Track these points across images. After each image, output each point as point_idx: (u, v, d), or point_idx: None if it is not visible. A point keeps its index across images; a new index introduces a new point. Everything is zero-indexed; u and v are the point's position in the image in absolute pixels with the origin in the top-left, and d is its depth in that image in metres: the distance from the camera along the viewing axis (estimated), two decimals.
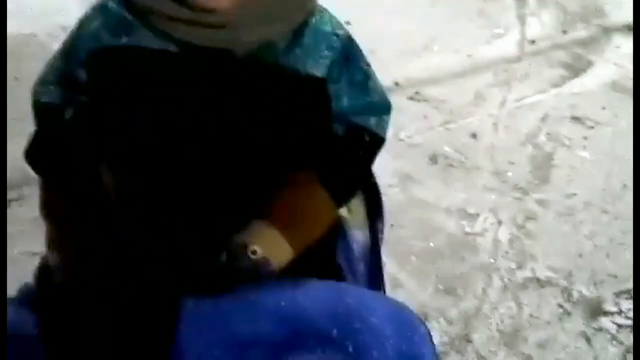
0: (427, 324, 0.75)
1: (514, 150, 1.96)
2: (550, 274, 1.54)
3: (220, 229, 0.77)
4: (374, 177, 0.96)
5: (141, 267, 0.76)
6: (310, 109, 0.80)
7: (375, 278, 0.92)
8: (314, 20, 0.78)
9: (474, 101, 2.18)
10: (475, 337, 1.37)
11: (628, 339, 1.40)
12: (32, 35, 2.12)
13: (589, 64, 2.53)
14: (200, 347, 0.67)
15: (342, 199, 0.85)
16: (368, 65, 0.84)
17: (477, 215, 1.68)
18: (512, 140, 2.00)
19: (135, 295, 0.71)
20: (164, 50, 0.75)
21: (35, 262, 0.86)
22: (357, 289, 0.81)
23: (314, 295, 0.71)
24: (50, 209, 0.87)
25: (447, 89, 2.22)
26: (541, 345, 1.37)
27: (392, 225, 1.48)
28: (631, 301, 1.47)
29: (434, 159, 1.87)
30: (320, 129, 0.82)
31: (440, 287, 1.47)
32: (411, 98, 2.12)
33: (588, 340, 1.39)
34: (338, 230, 0.90)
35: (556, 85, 2.36)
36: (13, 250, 1.30)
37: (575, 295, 1.50)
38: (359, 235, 0.95)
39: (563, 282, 1.52)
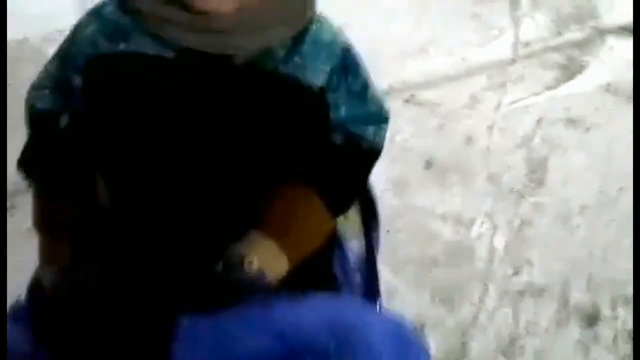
0: (423, 333, 0.75)
1: (509, 154, 1.95)
2: (546, 280, 1.54)
3: (218, 238, 0.76)
4: (370, 185, 0.96)
5: (138, 279, 0.75)
6: (309, 118, 0.79)
7: (371, 288, 0.91)
8: (314, 28, 0.78)
9: (468, 104, 2.18)
10: (472, 345, 1.36)
11: (625, 346, 1.39)
12: (25, 40, 2.10)
13: (583, 66, 2.53)
14: None
15: (339, 210, 0.84)
16: (367, 74, 0.83)
17: (473, 220, 1.67)
18: (507, 144, 1.99)
19: (130, 311, 0.70)
20: (161, 56, 0.74)
21: (27, 275, 0.84)
22: (355, 302, 0.80)
23: (311, 310, 0.70)
24: (44, 219, 0.85)
25: (442, 92, 2.21)
26: (538, 354, 1.37)
27: (387, 231, 1.47)
28: (627, 307, 1.47)
29: (429, 163, 1.86)
30: (318, 138, 0.81)
31: (437, 296, 1.46)
32: (406, 101, 2.12)
33: (585, 348, 1.39)
34: (334, 240, 0.89)
35: (551, 87, 2.36)
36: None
37: (572, 301, 1.49)
38: (354, 245, 0.94)
39: (559, 289, 1.52)
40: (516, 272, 1.55)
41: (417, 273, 1.51)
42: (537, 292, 1.51)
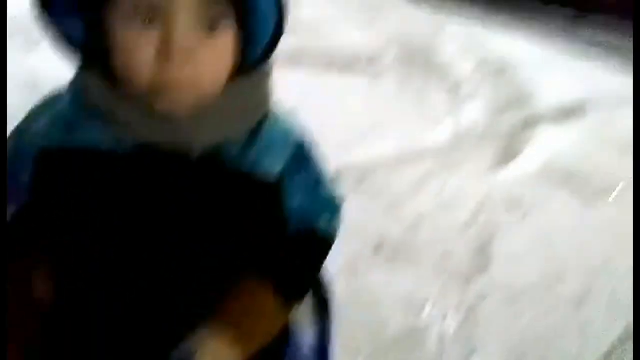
0: None
1: (455, 237, 1.99)
2: None
3: (168, 335, 0.73)
4: (323, 272, 0.95)
5: None
6: (264, 210, 0.79)
7: None
8: (270, 121, 0.79)
9: (414, 188, 2.23)
10: None
11: None
12: None
13: (520, 151, 2.66)
14: None
15: (294, 300, 0.83)
16: (320, 164, 0.84)
17: (424, 305, 1.67)
18: (453, 227, 2.04)
19: None
20: (116, 151, 0.72)
21: None
22: None
23: None
24: None
25: (388, 176, 2.27)
26: None
27: (339, 319, 1.45)
28: None
29: (378, 247, 1.87)
30: (272, 228, 0.81)
31: None
32: (354, 185, 2.15)
33: None
34: (287, 330, 0.87)
35: (490, 171, 2.46)
36: None
37: None
38: (307, 336, 0.92)
39: None
40: (467, 357, 1.54)
41: None
42: None
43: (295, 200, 0.81)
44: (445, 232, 2.00)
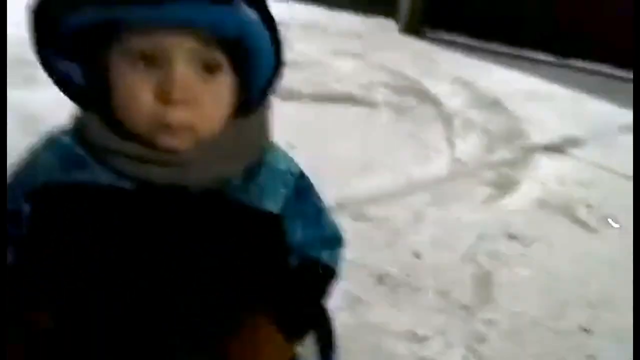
0: None
1: (456, 269, 1.98)
2: None
3: None
4: (326, 306, 0.94)
5: None
6: (267, 243, 0.79)
7: None
8: (268, 158, 0.80)
9: (414, 220, 2.23)
10: None
11: None
12: None
13: (516, 182, 2.68)
14: None
15: (297, 336, 0.83)
16: (320, 199, 0.85)
17: (427, 338, 1.65)
18: (453, 259, 2.03)
19: None
20: (117, 187, 0.73)
21: None
22: None
23: None
24: None
25: (388, 209, 2.27)
26: None
27: (342, 351, 1.43)
28: None
29: (380, 280, 1.86)
30: (275, 266, 0.81)
31: None
32: (354, 218, 2.15)
33: None
34: None
35: (488, 203, 2.46)
36: None
37: None
38: None
39: None
40: None
41: None
42: None
43: (297, 232, 0.82)
44: (446, 265, 1.99)
